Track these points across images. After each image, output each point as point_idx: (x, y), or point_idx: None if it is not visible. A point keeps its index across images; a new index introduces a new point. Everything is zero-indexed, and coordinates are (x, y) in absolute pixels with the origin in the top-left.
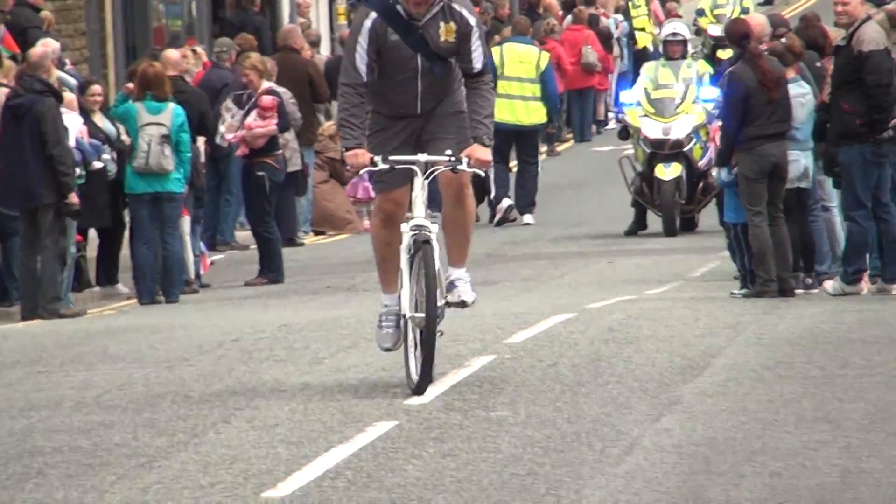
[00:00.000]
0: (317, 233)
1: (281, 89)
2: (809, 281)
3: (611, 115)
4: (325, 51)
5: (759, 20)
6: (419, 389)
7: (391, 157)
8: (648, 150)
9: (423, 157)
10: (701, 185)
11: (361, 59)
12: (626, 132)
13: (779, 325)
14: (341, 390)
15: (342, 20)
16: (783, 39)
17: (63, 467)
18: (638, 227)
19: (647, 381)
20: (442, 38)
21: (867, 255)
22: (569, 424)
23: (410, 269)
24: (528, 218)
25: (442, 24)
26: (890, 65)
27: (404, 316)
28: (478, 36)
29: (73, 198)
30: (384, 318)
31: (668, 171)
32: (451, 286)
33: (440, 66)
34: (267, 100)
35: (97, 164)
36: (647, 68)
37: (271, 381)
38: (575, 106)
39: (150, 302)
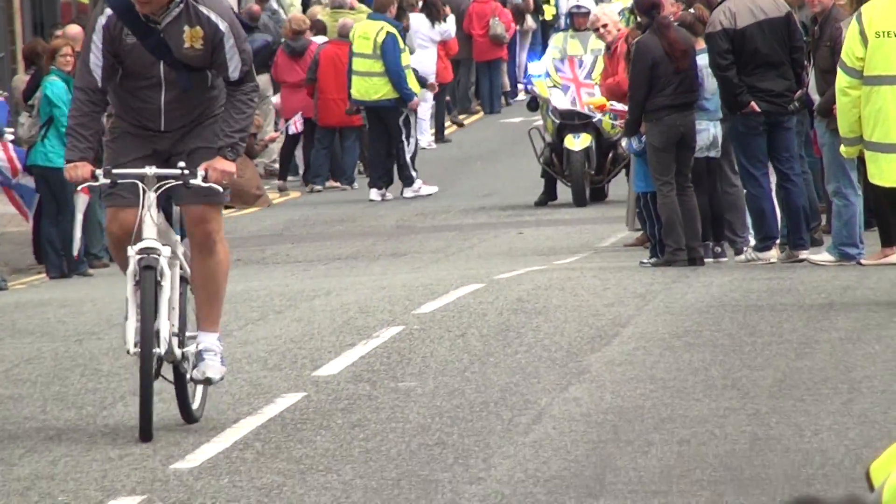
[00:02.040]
0: (227, 207)
1: None
2: (718, 249)
3: (520, 86)
4: None
5: None
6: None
7: (115, 171)
8: (558, 121)
9: (150, 170)
10: (610, 155)
11: (96, 61)
12: (535, 103)
13: (687, 294)
14: (250, 362)
15: None
16: (692, 10)
17: None
18: (548, 197)
19: (556, 350)
20: (186, 44)
21: (773, 222)
22: (477, 394)
23: (136, 296)
24: (373, 194)
25: (186, 28)
26: (723, 47)
27: (128, 352)
28: (234, 42)
29: None
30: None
31: (578, 142)
32: (199, 358)
33: (187, 76)
34: None
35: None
36: (556, 39)
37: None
38: (484, 77)
39: (59, 276)
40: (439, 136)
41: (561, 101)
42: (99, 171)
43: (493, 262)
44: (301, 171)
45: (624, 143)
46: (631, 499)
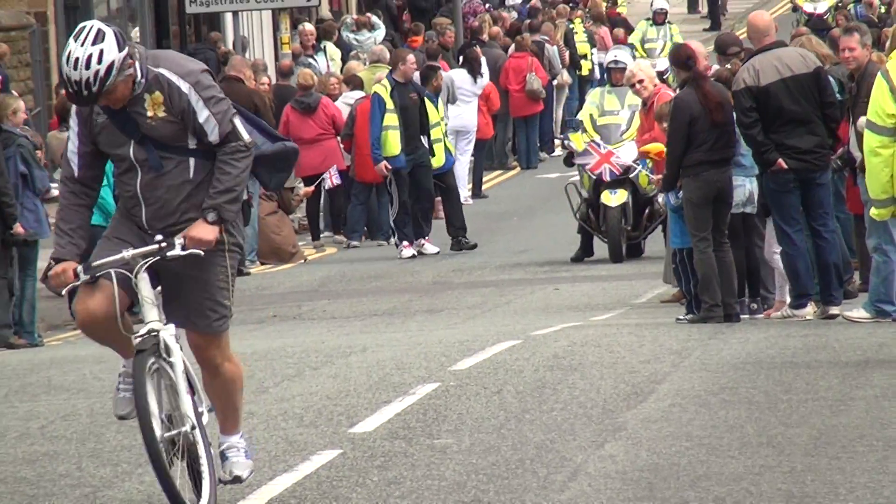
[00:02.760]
0: (262, 264)
1: None
2: (754, 306)
3: (556, 141)
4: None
5: (696, 45)
6: None
7: (94, 264)
8: (594, 177)
9: (127, 252)
10: (647, 211)
11: (73, 147)
12: (571, 159)
13: (723, 351)
14: (285, 419)
15: (286, 49)
16: (728, 66)
17: (7, 498)
18: (584, 253)
19: (592, 407)
20: (149, 114)
21: (808, 280)
22: (513, 451)
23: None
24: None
25: (147, 97)
26: (747, 105)
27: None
28: (203, 103)
29: (18, 228)
30: (122, 381)
31: (614, 198)
32: (223, 457)
33: (156, 155)
34: None
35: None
36: (593, 94)
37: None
38: (521, 133)
39: None
40: (476, 192)
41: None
42: (79, 269)
43: (529, 318)
44: (330, 224)
45: (661, 198)
46: None
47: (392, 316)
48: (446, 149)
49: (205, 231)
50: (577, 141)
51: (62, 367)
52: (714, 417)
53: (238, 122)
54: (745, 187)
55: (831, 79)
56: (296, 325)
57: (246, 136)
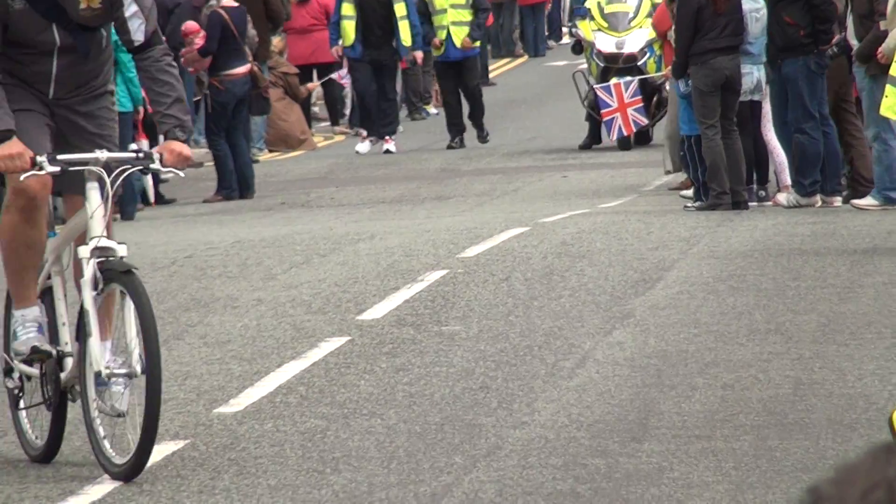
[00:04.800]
0: (270, 150)
1: (235, 6)
2: (763, 193)
3: (564, 29)
4: None
5: None
6: (129, 475)
7: (60, 158)
8: (602, 65)
9: (102, 154)
10: (655, 98)
11: None
12: (579, 46)
13: (732, 238)
14: (294, 306)
15: None
16: None
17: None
18: (592, 140)
19: (600, 294)
20: (83, 5)
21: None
22: (521, 338)
23: (96, 308)
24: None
25: None
26: None
27: (98, 373)
28: None
29: None
30: (21, 327)
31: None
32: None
33: (84, 39)
34: (188, 25)
35: None
36: None
37: (224, 298)
38: (528, 21)
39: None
40: (484, 80)
41: (606, 44)
42: (41, 158)
43: (537, 205)
44: (348, 114)
45: (668, 85)
46: (675, 443)
47: (400, 203)
48: (450, 39)
49: (182, 149)
50: (585, 29)
51: None
52: (722, 304)
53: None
54: (753, 75)
55: None
56: (304, 212)
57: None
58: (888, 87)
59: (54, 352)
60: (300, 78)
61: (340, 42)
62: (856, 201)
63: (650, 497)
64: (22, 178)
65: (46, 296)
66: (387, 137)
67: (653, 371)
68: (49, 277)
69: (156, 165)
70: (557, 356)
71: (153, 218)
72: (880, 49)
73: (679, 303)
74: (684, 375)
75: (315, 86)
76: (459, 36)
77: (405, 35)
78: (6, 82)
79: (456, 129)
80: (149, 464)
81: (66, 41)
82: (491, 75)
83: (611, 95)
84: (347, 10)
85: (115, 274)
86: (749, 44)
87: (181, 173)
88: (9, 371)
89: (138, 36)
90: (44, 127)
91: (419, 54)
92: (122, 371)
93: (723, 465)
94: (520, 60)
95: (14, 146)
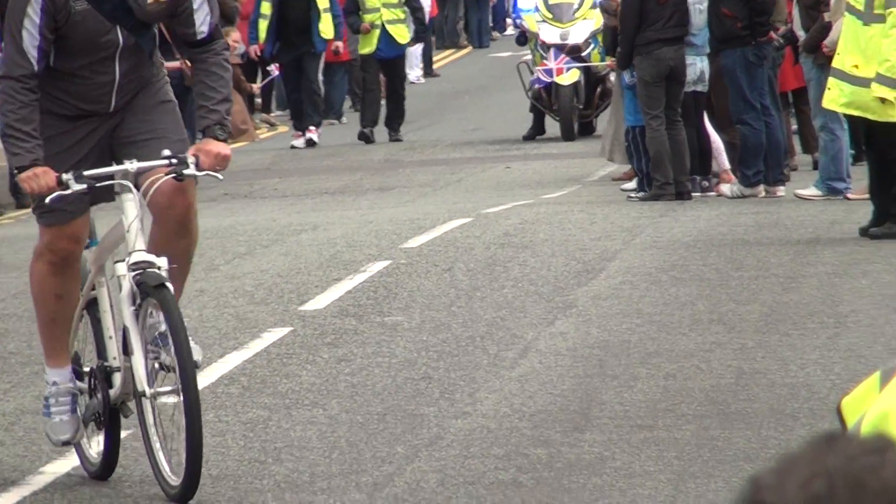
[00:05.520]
0: None
1: None
2: (706, 184)
3: (509, 20)
4: None
5: None
6: (184, 497)
7: (87, 174)
8: (546, 56)
9: (132, 164)
10: (599, 89)
11: (32, 41)
12: (524, 38)
13: (675, 228)
14: (236, 296)
15: None
16: None
17: None
18: (536, 131)
19: (543, 284)
20: (150, 0)
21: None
22: (463, 329)
23: (138, 324)
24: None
25: None
26: None
27: (143, 394)
28: None
29: None
30: (53, 402)
31: (566, 77)
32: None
33: (148, 39)
34: None
35: None
36: None
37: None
38: (472, 11)
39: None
40: (428, 71)
41: (550, 35)
42: (67, 176)
43: (480, 196)
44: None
45: (613, 77)
46: (617, 433)
47: (343, 194)
48: (386, 36)
49: (221, 148)
50: (530, 20)
51: (14, 244)
52: (665, 295)
53: None
54: (697, 66)
55: None
56: (247, 203)
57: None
58: (831, 80)
59: (94, 373)
60: (243, 69)
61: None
62: (799, 191)
63: (592, 486)
64: (48, 199)
65: (91, 308)
66: (310, 128)
67: (595, 361)
68: (93, 289)
69: (190, 171)
70: (500, 346)
71: (98, 209)
72: (825, 42)
73: (621, 293)
74: (626, 365)
75: (258, 87)
76: (397, 34)
77: (326, 27)
78: (54, 111)
79: (371, 116)
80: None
81: (129, 41)
82: (435, 66)
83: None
84: (265, 8)
85: (148, 288)
86: (693, 35)
87: (220, 176)
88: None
89: (203, 28)
90: (81, 145)
91: (340, 44)
92: (168, 389)
93: (665, 454)
94: (464, 51)
95: (35, 169)
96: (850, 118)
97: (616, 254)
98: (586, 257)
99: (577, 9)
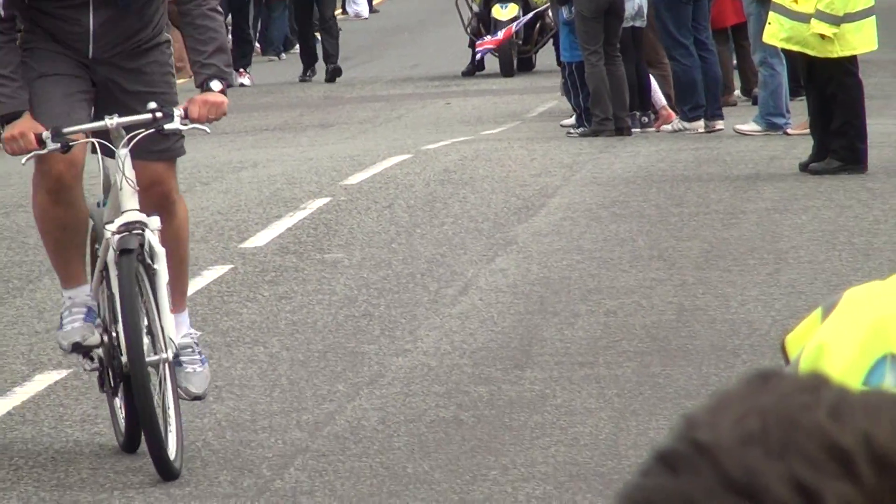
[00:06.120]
0: None
1: None
2: (645, 119)
3: None
4: None
5: None
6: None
7: (66, 130)
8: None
9: (112, 120)
10: (538, 24)
11: None
12: None
13: (615, 164)
14: None
15: None
16: None
17: None
18: (475, 67)
19: (483, 221)
20: None
21: (702, 92)
22: (404, 265)
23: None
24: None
25: None
26: None
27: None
28: None
29: None
30: (67, 314)
31: (505, 12)
32: (175, 363)
33: None
34: None
35: None
36: None
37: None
38: None
39: None
40: (368, 7)
41: None
42: (46, 134)
43: (420, 132)
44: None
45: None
46: (557, 370)
47: (283, 131)
48: None
49: (216, 96)
50: None
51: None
52: (605, 231)
53: None
54: (635, 1)
55: None
56: (186, 140)
57: None
58: (771, 14)
59: (105, 338)
60: None
61: None
62: (739, 126)
63: (533, 424)
64: (24, 160)
65: (104, 272)
66: (240, 70)
67: (535, 298)
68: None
69: (173, 125)
70: (440, 283)
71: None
72: None
73: (562, 229)
74: (567, 302)
75: None
76: None
77: None
78: (33, 46)
79: (308, 60)
80: (31, 393)
81: None
82: (374, 2)
83: (497, 35)
84: None
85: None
86: None
87: (207, 129)
88: (87, 352)
89: None
90: (74, 94)
91: None
92: (154, 358)
93: (605, 391)
94: None
95: (18, 126)
96: (788, 53)
97: (556, 190)
98: (526, 193)
99: None
